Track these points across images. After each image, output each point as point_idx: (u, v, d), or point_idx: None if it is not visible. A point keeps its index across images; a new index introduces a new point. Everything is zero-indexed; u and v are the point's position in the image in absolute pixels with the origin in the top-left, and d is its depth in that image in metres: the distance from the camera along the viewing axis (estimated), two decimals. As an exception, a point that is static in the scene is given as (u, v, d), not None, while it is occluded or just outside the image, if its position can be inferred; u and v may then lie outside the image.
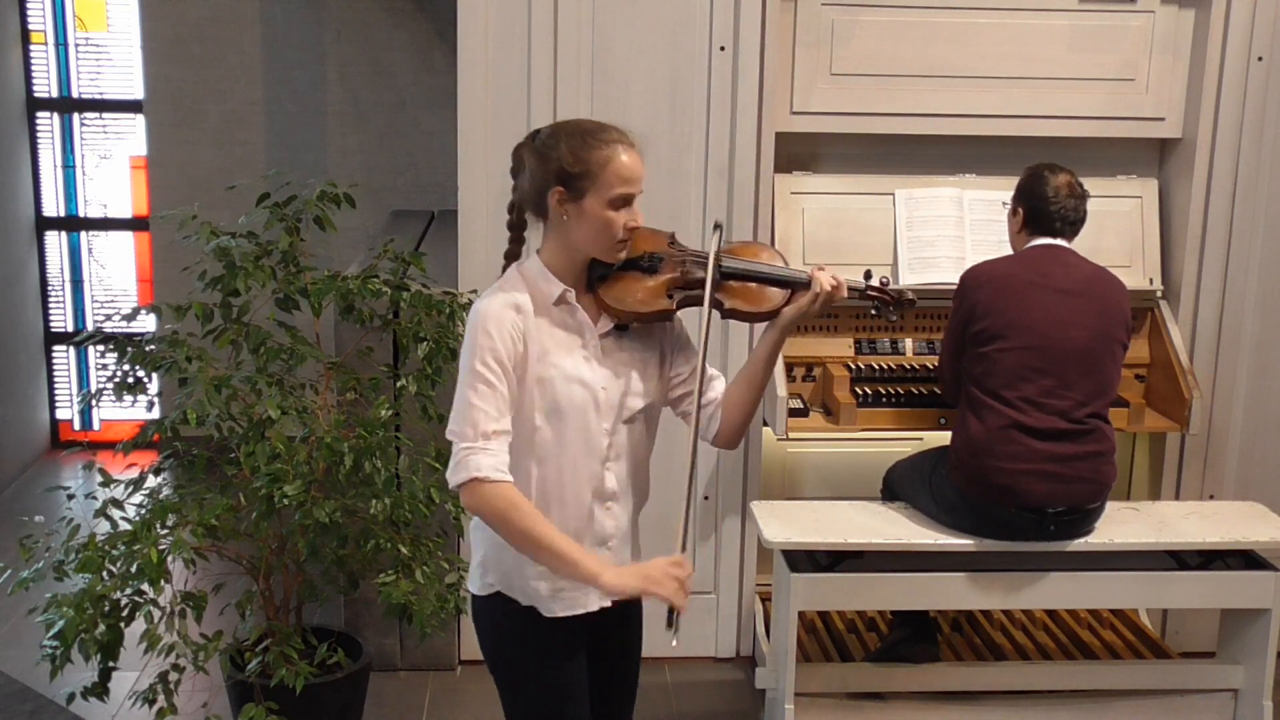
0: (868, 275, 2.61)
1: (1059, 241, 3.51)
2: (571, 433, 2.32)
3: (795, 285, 2.40)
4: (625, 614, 2.50)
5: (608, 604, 2.40)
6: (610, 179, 2.25)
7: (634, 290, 2.35)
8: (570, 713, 2.44)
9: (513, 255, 2.41)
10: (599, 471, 2.36)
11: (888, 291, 2.57)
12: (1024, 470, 3.37)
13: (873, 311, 2.60)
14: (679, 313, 2.42)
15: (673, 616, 2.20)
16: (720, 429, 2.48)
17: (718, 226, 2.46)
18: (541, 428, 2.31)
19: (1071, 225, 3.52)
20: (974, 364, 3.45)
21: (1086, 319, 3.42)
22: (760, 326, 2.47)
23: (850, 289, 2.45)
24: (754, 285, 2.41)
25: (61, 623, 3.05)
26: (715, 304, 2.38)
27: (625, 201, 2.28)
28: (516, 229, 2.40)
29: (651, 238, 2.41)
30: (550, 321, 2.33)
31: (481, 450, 2.22)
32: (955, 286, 3.56)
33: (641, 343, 2.41)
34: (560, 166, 2.26)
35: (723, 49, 3.84)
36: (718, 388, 2.49)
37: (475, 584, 2.45)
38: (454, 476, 2.24)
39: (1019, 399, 3.38)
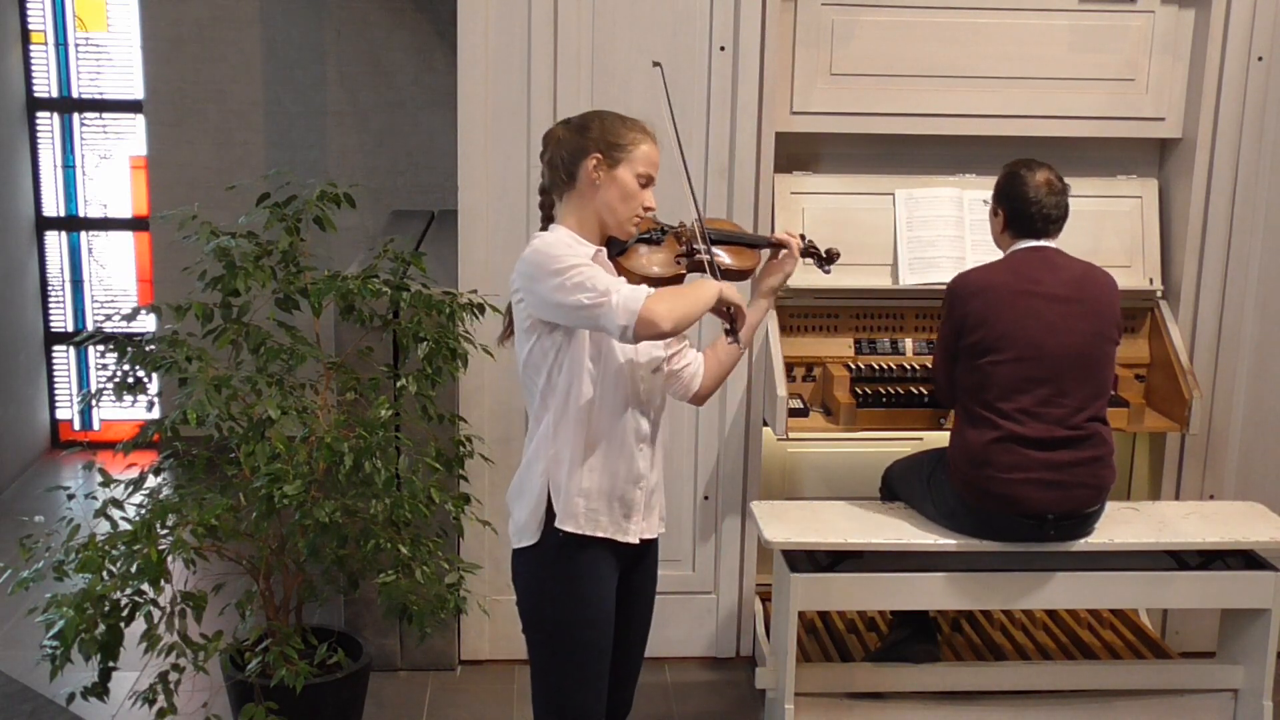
0: (802, 237, 2.89)
1: (1045, 243, 3.47)
2: (616, 377, 2.58)
3: (770, 246, 2.83)
4: (648, 561, 2.76)
5: (637, 541, 2.65)
6: (641, 157, 2.60)
7: (649, 260, 2.66)
8: (595, 665, 2.62)
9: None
10: (637, 415, 2.62)
11: (815, 246, 2.92)
12: (1023, 479, 3.36)
13: (807, 260, 2.91)
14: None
15: (735, 327, 2.58)
16: (701, 386, 2.80)
17: (656, 64, 2.87)
18: (592, 371, 2.56)
19: (1054, 223, 3.47)
20: (969, 376, 3.44)
21: (1080, 323, 3.40)
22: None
23: (755, 241, 2.86)
24: (737, 248, 2.80)
25: (61, 623, 3.05)
26: (712, 266, 2.70)
27: (649, 181, 2.62)
28: (547, 209, 2.69)
29: (650, 221, 2.74)
30: None
31: (615, 291, 2.43)
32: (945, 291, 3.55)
33: None
34: (602, 135, 2.58)
35: (723, 49, 3.84)
36: (693, 351, 2.80)
37: (524, 535, 2.62)
38: (621, 320, 2.42)
39: (1016, 410, 3.37)
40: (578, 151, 2.58)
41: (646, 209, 2.63)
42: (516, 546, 2.66)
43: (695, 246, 2.68)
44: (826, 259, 2.94)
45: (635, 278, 2.60)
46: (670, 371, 2.75)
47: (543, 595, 2.63)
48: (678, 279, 2.67)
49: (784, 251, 2.80)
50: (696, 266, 2.69)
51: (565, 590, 2.60)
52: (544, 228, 2.67)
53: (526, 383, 2.63)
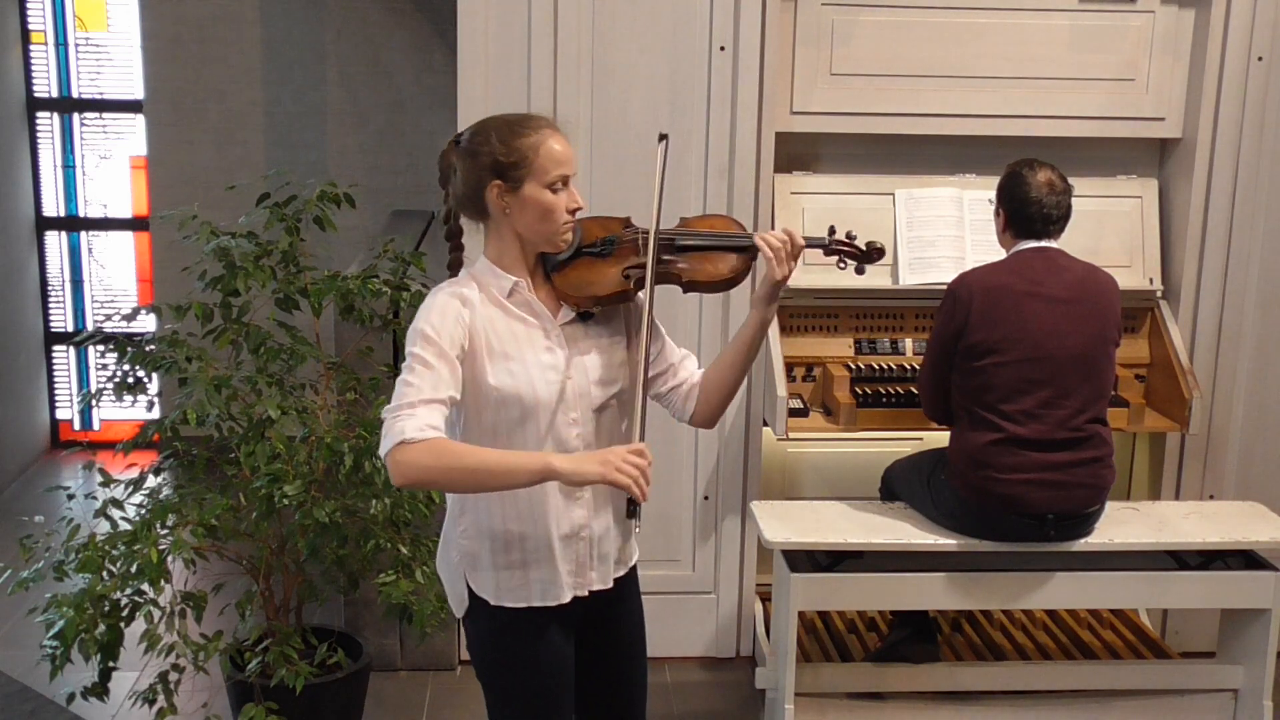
0: (831, 230, 2.58)
1: (1046, 243, 3.46)
2: (538, 428, 2.29)
3: (742, 249, 2.40)
4: (623, 610, 2.50)
5: (583, 594, 2.40)
6: (545, 163, 2.25)
7: (590, 275, 2.35)
8: (557, 717, 2.44)
9: (456, 265, 2.40)
10: None
11: (855, 245, 2.55)
12: (1023, 480, 3.36)
13: (839, 266, 2.57)
14: (642, 293, 2.37)
15: (633, 506, 2.19)
16: (697, 409, 2.47)
17: (663, 137, 2.45)
18: (506, 428, 2.29)
19: (1056, 223, 3.45)
20: (969, 378, 3.43)
21: (1081, 325, 3.39)
22: (738, 309, 2.44)
23: (811, 243, 2.46)
24: (706, 255, 2.40)
25: (61, 623, 3.06)
26: (673, 278, 2.38)
27: (564, 183, 2.27)
28: (455, 237, 2.38)
29: (605, 224, 2.43)
30: (506, 315, 2.30)
31: (406, 416, 2.15)
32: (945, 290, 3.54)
33: (607, 328, 2.40)
34: (494, 160, 2.25)
35: (723, 49, 3.84)
36: (690, 367, 2.50)
37: (456, 604, 2.44)
38: (382, 449, 2.16)
39: (1017, 412, 3.36)
40: (475, 183, 2.27)
41: (573, 211, 2.30)
42: (457, 615, 2.46)
43: (642, 259, 2.34)
44: (865, 256, 2.54)
45: (574, 299, 2.33)
46: (655, 394, 2.47)
47: (484, 660, 2.44)
48: (623, 296, 2.37)
49: (761, 253, 2.37)
50: (644, 281, 2.34)
51: (506, 657, 2.40)
52: (454, 260, 2.38)
53: None
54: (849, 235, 2.56)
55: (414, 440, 2.12)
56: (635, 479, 2.15)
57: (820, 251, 2.54)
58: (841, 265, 2.57)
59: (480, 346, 2.26)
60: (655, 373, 2.45)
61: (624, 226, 2.43)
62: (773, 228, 3.91)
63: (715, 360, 2.49)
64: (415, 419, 2.14)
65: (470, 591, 2.39)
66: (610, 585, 2.45)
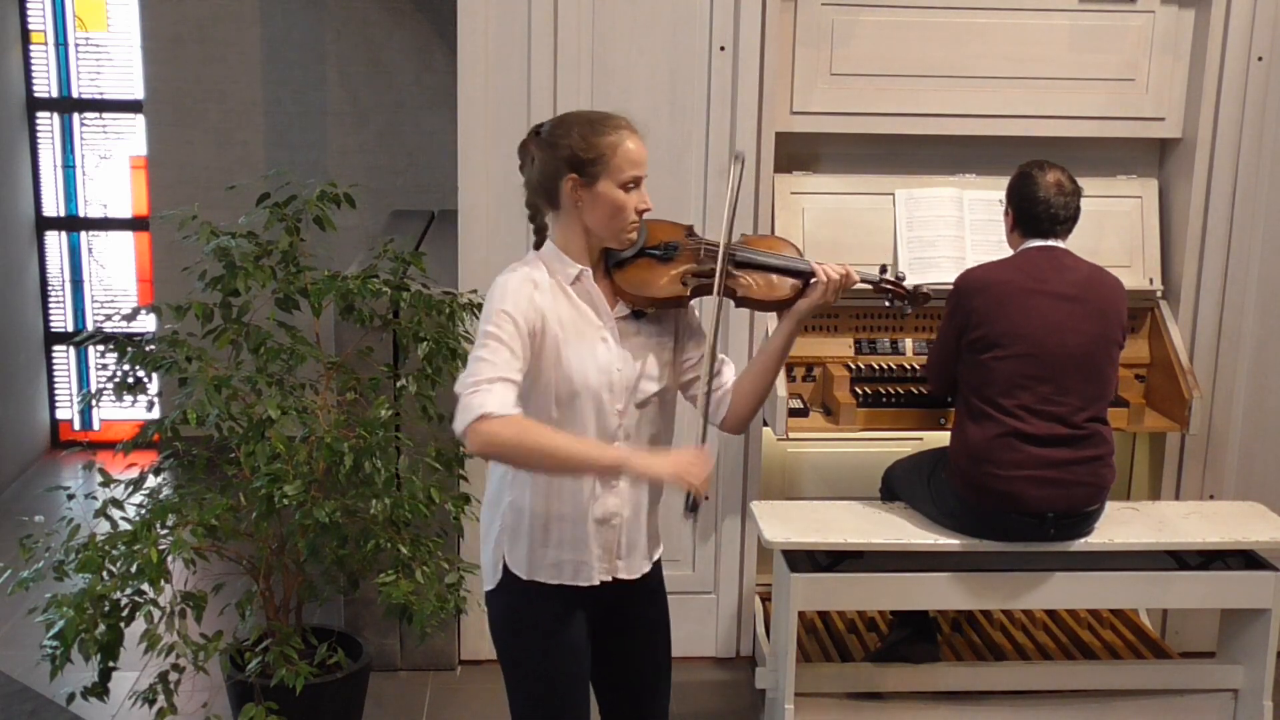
0: (883, 270, 2.68)
1: (1053, 243, 3.47)
2: (584, 412, 2.38)
3: (802, 276, 2.50)
4: (645, 599, 2.59)
5: (609, 579, 2.48)
6: (621, 162, 2.34)
7: (649, 277, 2.43)
8: (571, 703, 2.49)
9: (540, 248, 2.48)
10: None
11: (902, 287, 2.67)
12: (1023, 477, 3.37)
13: (885, 303, 2.69)
14: (694, 301, 2.50)
15: (692, 501, 2.31)
16: (728, 415, 2.55)
17: (738, 157, 2.53)
18: (556, 408, 2.37)
19: (1064, 224, 3.47)
20: (971, 372, 3.44)
21: (1084, 324, 3.40)
22: (770, 318, 2.56)
23: (864, 280, 2.58)
24: (766, 275, 2.50)
25: (61, 623, 3.05)
26: (728, 291, 2.48)
27: (635, 184, 2.36)
28: (538, 223, 2.47)
29: (670, 229, 2.52)
30: (567, 301, 2.39)
31: (485, 391, 2.23)
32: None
33: (657, 328, 2.49)
34: (572, 153, 2.34)
35: (723, 49, 3.84)
36: (728, 373, 2.56)
37: (488, 576, 2.51)
38: (458, 423, 2.24)
39: (1017, 407, 3.37)
40: (552, 174, 2.36)
41: (641, 211, 2.39)
42: (485, 589, 2.54)
43: (710, 268, 2.43)
44: (910, 299, 2.66)
45: (631, 297, 2.42)
46: (690, 395, 2.54)
47: (506, 637, 2.51)
48: (678, 301, 2.45)
49: (816, 281, 2.48)
50: (705, 290, 2.45)
51: (529, 633, 2.47)
52: (537, 245, 2.46)
53: None
54: (899, 276, 2.69)
55: (497, 414, 2.20)
56: (700, 479, 2.29)
57: (870, 288, 2.66)
58: (888, 303, 2.69)
59: (547, 329, 2.35)
60: (693, 376, 2.53)
61: (687, 234, 2.52)
62: (773, 228, 3.92)
63: (745, 369, 2.57)
64: (494, 395, 2.23)
65: (505, 565, 2.46)
66: (636, 577, 2.53)
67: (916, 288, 2.68)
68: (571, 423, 2.38)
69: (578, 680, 2.52)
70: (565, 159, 2.34)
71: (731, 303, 2.53)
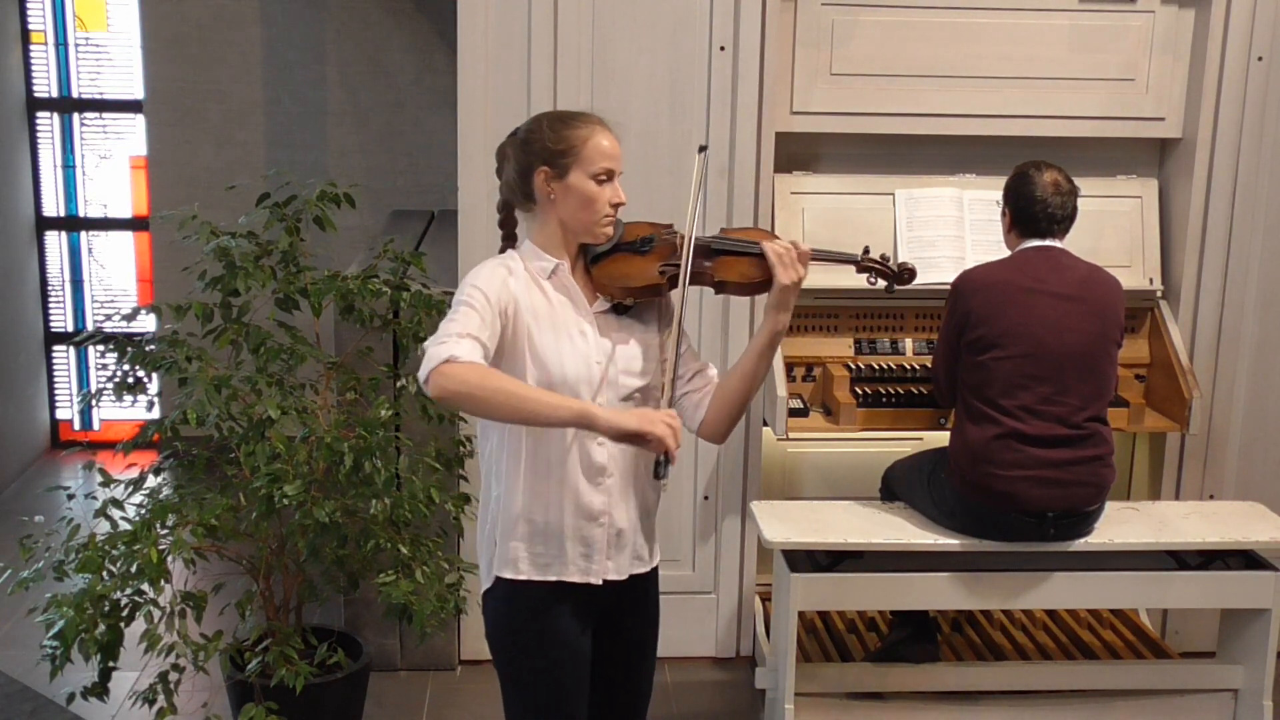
0: (866, 250, 2.68)
1: (1051, 242, 3.47)
2: None
3: (755, 255, 2.47)
4: (639, 610, 2.56)
5: (597, 581, 2.45)
6: (592, 154, 2.37)
7: (625, 269, 2.46)
8: (566, 700, 2.48)
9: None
10: (587, 446, 2.39)
11: (886, 265, 2.67)
12: (1023, 477, 3.37)
13: (869, 282, 2.68)
14: (674, 290, 2.48)
15: (663, 463, 2.29)
16: (707, 418, 2.51)
17: (702, 149, 2.56)
18: None
19: (1060, 223, 3.47)
20: (970, 372, 3.44)
21: (1083, 323, 3.40)
22: (737, 311, 2.51)
23: (845, 260, 2.60)
24: (736, 260, 2.50)
25: (61, 623, 3.05)
26: (708, 280, 2.49)
27: (608, 176, 2.39)
28: (507, 226, 2.52)
29: (648, 228, 2.53)
30: (542, 294, 2.40)
31: (454, 342, 2.22)
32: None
33: (639, 323, 2.50)
34: (544, 146, 2.38)
35: (723, 49, 3.84)
36: (707, 376, 2.54)
37: (484, 576, 2.51)
38: (422, 371, 2.21)
39: (1017, 407, 3.37)
40: (525, 168, 2.39)
41: (615, 205, 2.40)
42: (482, 588, 2.54)
43: (677, 259, 2.44)
44: (897, 276, 2.66)
45: (609, 289, 2.44)
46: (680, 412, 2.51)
47: (500, 638, 2.51)
48: (654, 290, 2.47)
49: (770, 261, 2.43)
50: (677, 280, 2.45)
51: (523, 633, 2.46)
52: (503, 248, 2.50)
53: None
54: (882, 256, 2.67)
55: (461, 359, 2.20)
56: (668, 434, 2.25)
57: (853, 268, 2.65)
58: (872, 282, 2.68)
59: (519, 315, 2.36)
60: (687, 390, 2.52)
61: (666, 230, 2.53)
62: (773, 228, 3.92)
63: (729, 370, 2.52)
64: (462, 345, 2.22)
65: (495, 563, 2.46)
66: (625, 578, 2.49)
67: (901, 264, 2.67)
68: None
69: (572, 684, 2.50)
70: (537, 152, 2.38)
71: (729, 298, 2.53)
